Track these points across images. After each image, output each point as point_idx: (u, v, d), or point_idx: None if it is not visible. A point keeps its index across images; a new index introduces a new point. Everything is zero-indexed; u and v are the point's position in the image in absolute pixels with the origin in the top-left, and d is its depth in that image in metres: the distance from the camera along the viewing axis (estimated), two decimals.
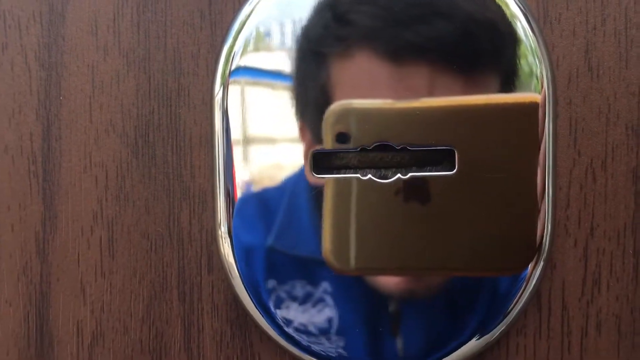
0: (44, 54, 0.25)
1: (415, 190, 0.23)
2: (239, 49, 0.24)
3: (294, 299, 0.24)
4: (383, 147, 0.23)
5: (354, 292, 0.24)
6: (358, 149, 0.23)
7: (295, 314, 0.24)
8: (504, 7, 0.23)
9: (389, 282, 0.24)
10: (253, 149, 0.24)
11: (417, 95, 0.23)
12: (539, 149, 0.23)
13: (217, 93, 0.24)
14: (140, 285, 0.25)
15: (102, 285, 0.25)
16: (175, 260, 0.25)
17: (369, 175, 0.23)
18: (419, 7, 0.23)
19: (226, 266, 0.24)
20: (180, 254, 0.25)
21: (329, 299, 0.24)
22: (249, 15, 0.24)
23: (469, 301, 0.24)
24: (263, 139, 0.24)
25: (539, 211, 0.24)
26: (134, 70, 0.25)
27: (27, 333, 0.25)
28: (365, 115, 0.23)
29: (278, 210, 0.24)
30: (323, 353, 0.24)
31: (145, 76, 0.25)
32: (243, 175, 0.24)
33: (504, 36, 0.23)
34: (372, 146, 0.23)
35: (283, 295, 0.24)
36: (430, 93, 0.23)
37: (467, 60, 0.23)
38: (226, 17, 0.25)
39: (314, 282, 0.24)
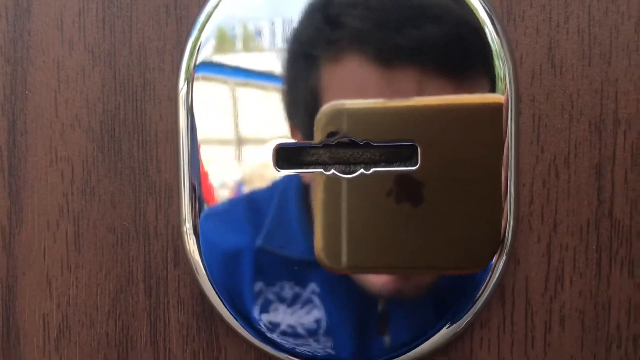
0: (9, 49, 0.25)
1: (381, 188, 0.24)
2: (204, 43, 0.24)
3: (259, 292, 0.24)
4: (346, 143, 0.23)
5: (320, 282, 0.24)
6: (321, 145, 0.23)
7: (260, 307, 0.24)
8: (470, 9, 0.23)
9: (369, 280, 0.24)
10: (217, 145, 0.24)
11: (388, 96, 0.23)
12: (502, 147, 0.24)
13: (182, 88, 0.24)
14: (107, 279, 0.25)
15: (68, 279, 0.25)
16: (142, 254, 0.25)
17: (333, 170, 0.24)
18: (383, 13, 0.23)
19: (192, 262, 0.24)
20: (147, 248, 0.25)
21: (293, 292, 0.24)
22: (213, 10, 0.24)
23: (438, 293, 0.24)
24: (227, 134, 0.24)
25: (502, 207, 0.24)
26: (99, 65, 0.25)
27: None
28: (354, 114, 0.23)
29: (244, 207, 0.24)
30: (289, 346, 0.24)
31: (111, 71, 0.25)
32: (208, 172, 0.24)
33: (470, 39, 0.23)
34: (335, 142, 0.23)
35: (248, 289, 0.24)
36: (405, 94, 0.23)
37: (436, 64, 0.23)
38: (192, 12, 0.25)
39: (278, 276, 0.24)
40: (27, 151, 0.25)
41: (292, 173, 0.23)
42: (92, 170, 0.25)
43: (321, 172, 0.23)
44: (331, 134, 0.24)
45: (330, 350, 0.24)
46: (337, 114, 0.23)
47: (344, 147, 0.23)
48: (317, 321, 0.24)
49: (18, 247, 0.25)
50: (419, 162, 0.23)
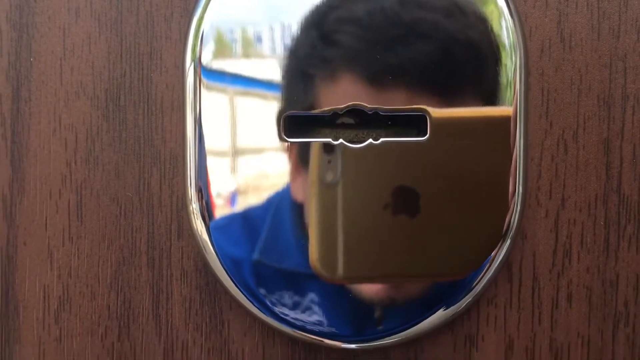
0: (15, 15, 0.25)
1: (391, 169, 0.23)
2: (212, 13, 0.23)
3: (267, 268, 0.24)
4: (356, 112, 0.23)
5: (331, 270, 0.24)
6: (330, 112, 0.23)
7: (267, 283, 0.24)
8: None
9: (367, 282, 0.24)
10: (227, 122, 0.23)
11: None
12: (510, 124, 0.23)
13: (189, 60, 0.23)
14: (109, 251, 0.25)
15: (69, 249, 0.25)
16: (145, 225, 0.25)
17: (341, 140, 0.23)
18: (399, 28, 0.23)
19: (198, 238, 0.24)
20: (150, 219, 0.25)
21: (309, 281, 0.24)
22: None
23: (438, 270, 0.24)
24: (237, 108, 0.24)
25: (509, 185, 0.24)
26: (105, 33, 0.24)
27: None
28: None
29: (254, 189, 0.24)
30: (294, 321, 0.24)
31: (117, 39, 0.25)
32: (216, 147, 0.23)
33: (481, 49, 0.23)
34: (344, 111, 0.23)
35: (255, 264, 0.24)
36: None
37: (447, 78, 0.23)
38: None
39: (286, 253, 0.24)
40: (30, 119, 0.24)
41: (300, 141, 0.23)
42: (96, 139, 0.25)
43: (329, 141, 0.23)
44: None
45: (332, 328, 0.24)
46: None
47: (353, 117, 0.23)
48: (319, 305, 0.24)
49: (19, 216, 0.25)
50: (428, 132, 0.23)
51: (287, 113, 0.23)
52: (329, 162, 0.23)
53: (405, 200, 0.23)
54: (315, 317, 0.24)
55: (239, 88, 0.24)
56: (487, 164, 0.23)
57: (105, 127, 0.25)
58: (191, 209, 0.24)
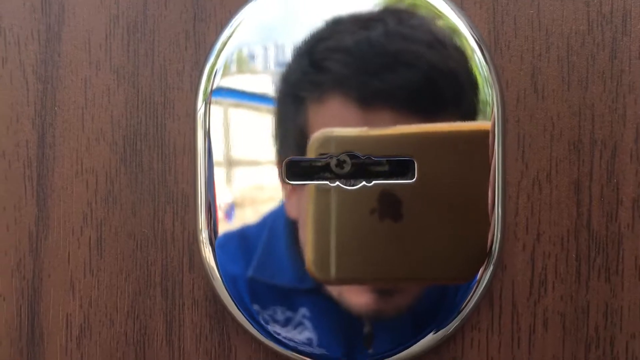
0: (40, 69, 0.27)
1: (381, 205, 0.26)
2: (220, 67, 0.26)
3: (272, 300, 0.26)
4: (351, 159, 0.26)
5: (326, 299, 0.26)
6: (327, 157, 0.26)
7: (271, 311, 0.26)
8: (462, 44, 0.26)
9: (357, 292, 0.26)
10: (233, 164, 0.26)
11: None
12: (490, 165, 0.26)
13: (200, 108, 0.26)
14: (126, 282, 0.27)
15: (90, 281, 0.27)
16: (159, 259, 0.27)
17: (337, 183, 0.26)
18: (385, 56, 0.26)
19: (207, 269, 0.26)
20: (164, 253, 0.27)
21: (306, 303, 0.26)
22: (229, 37, 0.26)
23: (428, 300, 0.26)
24: (242, 152, 0.26)
25: (490, 220, 0.26)
26: (123, 84, 0.27)
27: (19, 325, 0.27)
28: (343, 139, 0.26)
29: (256, 221, 0.26)
30: (297, 346, 0.26)
31: (134, 90, 0.27)
32: (223, 186, 0.26)
33: (459, 68, 0.26)
34: (340, 156, 0.26)
35: (260, 293, 0.26)
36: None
37: (430, 102, 0.26)
38: (209, 38, 0.27)
39: (289, 284, 0.26)
40: (54, 162, 0.27)
41: (300, 184, 0.26)
42: (114, 181, 0.27)
43: (327, 184, 0.26)
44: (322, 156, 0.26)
45: (325, 351, 0.26)
46: (327, 139, 0.26)
47: (347, 163, 0.26)
48: (314, 327, 0.26)
49: (44, 251, 0.27)
50: (416, 176, 0.26)
51: (288, 159, 0.26)
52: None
53: (409, 223, 0.26)
54: (320, 345, 0.26)
55: (242, 135, 0.26)
56: (468, 201, 0.26)
57: (123, 169, 0.27)
58: (201, 238, 0.26)
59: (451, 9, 0.26)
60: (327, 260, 0.26)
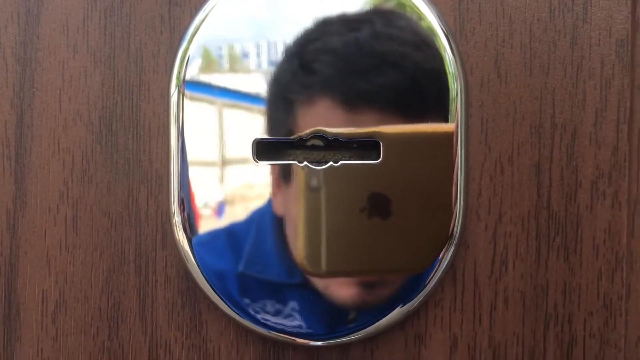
0: (19, 51, 0.28)
1: (348, 189, 0.27)
2: (193, 53, 0.27)
3: (243, 276, 0.27)
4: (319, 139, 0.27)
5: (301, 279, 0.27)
6: (296, 139, 0.27)
7: (243, 288, 0.27)
8: (429, 26, 0.27)
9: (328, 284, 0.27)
10: (204, 147, 0.27)
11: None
12: (454, 148, 0.27)
13: (173, 93, 0.27)
14: (101, 259, 0.28)
15: (66, 258, 0.28)
16: (133, 237, 0.28)
17: (305, 162, 0.27)
18: (368, 58, 0.27)
19: (180, 247, 0.27)
20: (138, 231, 0.28)
21: (283, 288, 0.27)
22: (202, 21, 0.27)
23: (394, 277, 0.27)
24: (213, 133, 0.27)
25: (452, 202, 0.27)
26: (100, 67, 0.28)
27: None
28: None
29: (225, 200, 0.27)
30: (267, 322, 0.27)
31: (110, 72, 0.28)
32: (195, 167, 0.27)
33: (432, 70, 0.27)
34: (309, 137, 0.27)
35: (236, 275, 0.27)
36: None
37: (403, 96, 0.27)
38: (183, 22, 0.28)
39: (259, 259, 0.27)
40: (32, 142, 0.28)
41: (269, 164, 0.27)
42: (90, 160, 0.28)
43: (295, 164, 0.27)
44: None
45: (301, 328, 0.27)
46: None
47: (317, 144, 0.27)
48: (293, 307, 0.27)
49: (21, 228, 0.28)
50: (381, 156, 0.27)
51: (258, 138, 0.27)
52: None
53: (373, 208, 0.27)
54: (288, 319, 0.27)
55: (218, 110, 0.27)
56: (433, 182, 0.27)
57: (99, 149, 0.28)
58: (174, 221, 0.27)
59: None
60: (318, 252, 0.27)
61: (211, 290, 0.27)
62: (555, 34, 0.28)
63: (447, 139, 0.27)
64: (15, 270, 0.28)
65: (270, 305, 0.27)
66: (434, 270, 0.27)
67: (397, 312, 0.27)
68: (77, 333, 0.28)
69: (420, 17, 0.27)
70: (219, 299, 0.27)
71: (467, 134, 0.27)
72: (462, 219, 0.27)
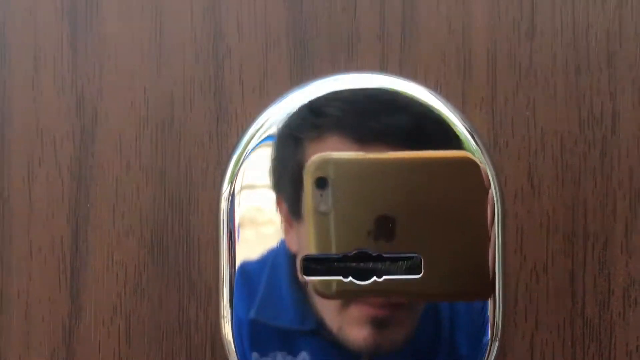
0: (75, 167, 0.29)
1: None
2: (241, 169, 0.28)
3: None
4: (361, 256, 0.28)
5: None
6: (340, 256, 0.28)
7: None
8: (462, 140, 0.28)
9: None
10: (253, 260, 0.28)
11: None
12: (491, 260, 0.28)
13: (223, 205, 0.28)
14: None
15: None
16: (184, 348, 0.29)
17: (350, 278, 0.28)
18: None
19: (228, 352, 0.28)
20: (188, 342, 0.29)
21: None
22: (251, 138, 0.29)
23: None
24: (259, 247, 0.28)
25: (493, 310, 0.28)
26: (151, 183, 0.29)
27: None
28: (341, 163, 0.28)
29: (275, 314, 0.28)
30: None
31: (161, 188, 0.29)
32: (244, 280, 0.28)
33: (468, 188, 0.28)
34: (353, 253, 0.28)
35: None
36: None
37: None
38: (231, 140, 0.29)
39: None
40: (87, 256, 0.29)
41: (317, 279, 0.28)
42: (142, 274, 0.29)
43: (340, 279, 0.28)
44: (319, 179, 0.28)
45: None
46: (324, 162, 0.28)
47: (359, 260, 0.28)
48: None
49: (77, 341, 0.29)
50: (422, 271, 0.28)
51: (304, 255, 0.28)
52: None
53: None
54: None
55: (261, 235, 0.28)
56: (471, 294, 0.28)
57: (151, 263, 0.29)
58: (223, 333, 0.28)
59: (454, 114, 0.29)
60: None
61: None
62: (585, 146, 0.30)
63: (483, 251, 0.28)
64: None
65: None
66: None
67: None
68: None
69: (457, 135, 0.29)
70: None
71: (504, 245, 0.29)
72: (501, 325, 0.28)
